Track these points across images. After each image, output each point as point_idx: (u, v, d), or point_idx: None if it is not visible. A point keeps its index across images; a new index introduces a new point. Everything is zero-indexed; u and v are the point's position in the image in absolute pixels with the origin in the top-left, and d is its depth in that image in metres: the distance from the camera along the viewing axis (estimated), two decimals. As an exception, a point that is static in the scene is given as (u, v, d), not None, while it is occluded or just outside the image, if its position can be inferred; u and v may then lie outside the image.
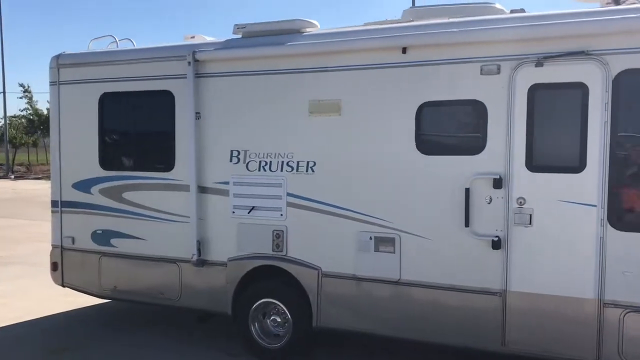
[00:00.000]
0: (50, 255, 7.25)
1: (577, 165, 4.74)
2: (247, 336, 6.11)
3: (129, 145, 6.91)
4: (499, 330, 5.04)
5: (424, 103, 5.25)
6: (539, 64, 4.81)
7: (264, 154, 5.94)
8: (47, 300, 8.29)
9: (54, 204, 7.18)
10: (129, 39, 7.23)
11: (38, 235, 13.41)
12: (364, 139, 5.51)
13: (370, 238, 5.49)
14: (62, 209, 7.10)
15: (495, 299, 5.03)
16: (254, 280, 6.06)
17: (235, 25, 6.23)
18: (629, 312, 4.62)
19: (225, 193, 6.14)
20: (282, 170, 5.86)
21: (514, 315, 4.98)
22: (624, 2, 5.21)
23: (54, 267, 7.20)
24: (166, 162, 6.46)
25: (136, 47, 6.92)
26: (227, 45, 6.13)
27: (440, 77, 5.18)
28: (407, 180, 5.36)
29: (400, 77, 5.33)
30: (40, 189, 26.12)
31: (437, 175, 5.21)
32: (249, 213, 6.01)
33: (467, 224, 5.07)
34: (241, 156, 6.05)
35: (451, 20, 5.31)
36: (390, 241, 5.41)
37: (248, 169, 6.03)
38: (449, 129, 5.36)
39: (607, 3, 5.27)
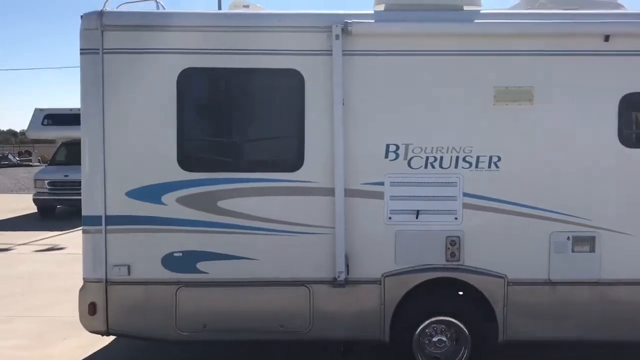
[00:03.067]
0: (83, 293, 5.17)
1: None
2: (410, 364, 5.17)
3: (227, 139, 5.28)
4: None
5: (628, 94, 5.05)
6: None
7: (432, 148, 5.07)
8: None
9: (89, 220, 5.13)
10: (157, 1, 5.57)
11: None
12: (560, 131, 5.08)
13: (568, 238, 5.09)
14: (108, 227, 5.10)
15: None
16: (417, 298, 5.15)
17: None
18: None
19: (378, 196, 5.09)
20: (456, 167, 5.08)
21: None
22: None
23: (92, 309, 5.15)
24: (289, 159, 5.11)
25: (244, 11, 5.32)
26: (386, 18, 5.09)
27: (644, 67, 5.04)
28: (608, 175, 5.09)
29: (601, 65, 5.04)
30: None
31: (641, 169, 5.06)
32: (417, 218, 5.08)
33: (674, 218, 5.04)
34: (401, 151, 5.08)
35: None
36: (590, 240, 5.09)
37: (410, 166, 5.08)
38: None
39: None
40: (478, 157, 5.07)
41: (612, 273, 5.10)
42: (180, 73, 5.03)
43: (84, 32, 5.07)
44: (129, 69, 5.07)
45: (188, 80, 5.03)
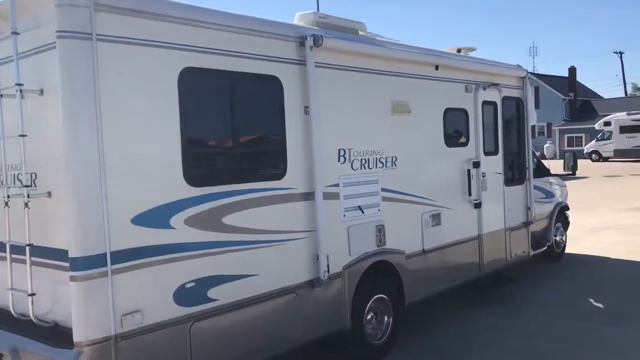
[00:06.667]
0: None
1: None
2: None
3: (226, 147, 4.65)
4: None
5: (447, 108, 7.03)
6: None
7: (363, 151, 5.87)
8: None
9: (84, 263, 3.82)
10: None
11: None
12: (416, 135, 6.67)
13: (429, 216, 6.72)
14: (114, 266, 3.92)
15: None
16: (366, 282, 5.83)
17: (316, 12, 5.65)
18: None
19: (336, 197, 5.56)
20: (376, 167, 6.03)
21: None
22: None
23: (96, 379, 3.83)
24: (276, 167, 5.04)
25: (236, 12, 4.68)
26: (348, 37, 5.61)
27: None
28: (439, 166, 6.97)
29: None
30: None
31: None
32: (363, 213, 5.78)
33: None
34: (347, 155, 5.68)
35: None
36: (437, 216, 6.86)
37: (353, 168, 5.74)
38: None
39: None
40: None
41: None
42: (180, 72, 4.31)
43: (65, 8, 3.74)
44: (125, 62, 4.02)
45: (186, 82, 4.34)
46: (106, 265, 3.87)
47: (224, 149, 4.74)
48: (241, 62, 4.75)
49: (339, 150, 5.61)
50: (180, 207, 4.31)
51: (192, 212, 4.38)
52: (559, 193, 10.37)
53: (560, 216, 10.21)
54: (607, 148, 43.45)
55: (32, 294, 4.18)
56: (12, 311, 4.41)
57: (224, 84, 4.69)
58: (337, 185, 5.57)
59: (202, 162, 4.54)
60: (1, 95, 4.33)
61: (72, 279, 3.80)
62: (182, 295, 4.31)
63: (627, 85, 68.98)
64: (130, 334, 4.00)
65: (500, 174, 8.01)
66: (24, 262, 4.32)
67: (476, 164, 7.40)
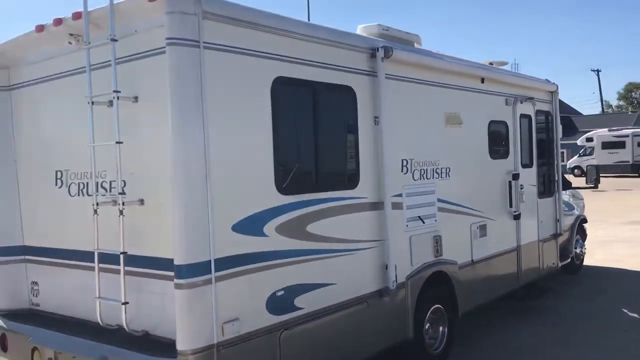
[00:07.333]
0: (188, 371, 3.76)
1: None
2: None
3: (309, 157, 4.67)
4: None
5: (491, 121, 7.16)
6: None
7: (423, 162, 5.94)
8: None
9: (190, 270, 3.80)
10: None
11: None
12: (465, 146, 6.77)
13: (477, 227, 6.80)
14: (217, 273, 3.91)
15: None
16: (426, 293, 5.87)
17: (380, 25, 5.75)
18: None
19: (400, 206, 5.61)
20: (433, 177, 6.10)
21: None
22: None
23: (202, 391, 3.80)
24: (351, 176, 5.08)
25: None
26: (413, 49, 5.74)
27: None
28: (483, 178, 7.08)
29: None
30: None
31: None
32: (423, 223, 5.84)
33: None
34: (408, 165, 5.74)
35: None
36: (483, 227, 6.95)
37: (414, 178, 5.81)
38: None
39: None
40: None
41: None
42: (273, 82, 4.35)
43: (177, 15, 3.76)
44: (226, 70, 4.04)
45: (278, 91, 4.37)
46: (210, 273, 3.86)
47: (308, 158, 4.76)
48: (322, 73, 4.80)
49: (402, 160, 5.67)
50: (272, 215, 4.33)
51: (282, 220, 4.40)
52: (578, 205, 10.56)
53: (579, 228, 10.38)
54: (589, 163, 44.23)
55: (126, 303, 4.14)
56: (99, 320, 4.36)
57: (308, 94, 4.73)
58: (400, 195, 5.62)
59: (290, 171, 4.55)
60: (92, 103, 4.31)
61: (178, 286, 3.78)
62: (274, 304, 4.32)
63: (603, 103, 70.63)
64: (229, 343, 3.97)
65: (535, 186, 8.15)
66: (111, 271, 4.31)
67: (515, 176, 7.51)
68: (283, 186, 4.41)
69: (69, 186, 4.82)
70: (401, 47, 5.65)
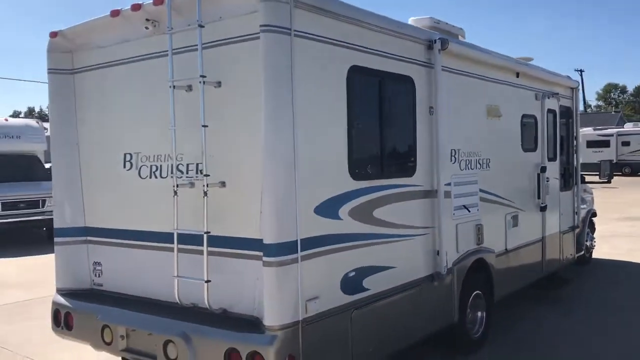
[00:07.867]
0: (279, 347, 3.91)
1: None
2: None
3: (376, 144, 4.83)
4: None
5: (523, 114, 7.38)
6: None
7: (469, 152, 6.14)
8: None
9: (282, 248, 3.95)
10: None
11: None
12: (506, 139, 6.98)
13: (512, 217, 7.03)
14: (302, 253, 4.07)
15: None
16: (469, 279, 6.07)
17: (432, 18, 5.92)
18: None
19: (449, 195, 5.80)
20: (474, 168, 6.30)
21: None
22: None
23: (292, 362, 3.97)
24: (409, 164, 5.26)
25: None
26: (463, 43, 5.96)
27: None
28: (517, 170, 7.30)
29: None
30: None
31: None
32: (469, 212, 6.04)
33: None
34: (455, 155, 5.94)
35: None
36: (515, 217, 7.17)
37: (460, 168, 6.00)
38: None
39: None
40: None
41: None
42: (349, 70, 4.50)
43: (272, 3, 3.89)
44: (311, 59, 4.18)
45: (353, 80, 4.53)
46: (297, 252, 4.02)
47: (375, 145, 4.92)
48: (388, 63, 4.96)
49: (451, 150, 5.86)
50: (346, 199, 4.49)
51: (354, 205, 4.56)
52: (589, 199, 10.86)
53: (589, 222, 10.68)
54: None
55: (208, 281, 4.27)
56: (177, 299, 4.48)
57: (376, 83, 4.89)
58: (449, 184, 5.80)
59: (361, 157, 4.71)
60: (174, 87, 4.42)
61: (267, 264, 3.93)
62: (346, 284, 4.48)
63: (585, 102, 71.67)
64: (312, 320, 4.13)
65: (558, 179, 8.40)
66: (185, 251, 4.43)
67: (543, 169, 7.75)
68: (355, 173, 4.57)
69: (140, 169, 4.92)
70: (453, 40, 5.83)
